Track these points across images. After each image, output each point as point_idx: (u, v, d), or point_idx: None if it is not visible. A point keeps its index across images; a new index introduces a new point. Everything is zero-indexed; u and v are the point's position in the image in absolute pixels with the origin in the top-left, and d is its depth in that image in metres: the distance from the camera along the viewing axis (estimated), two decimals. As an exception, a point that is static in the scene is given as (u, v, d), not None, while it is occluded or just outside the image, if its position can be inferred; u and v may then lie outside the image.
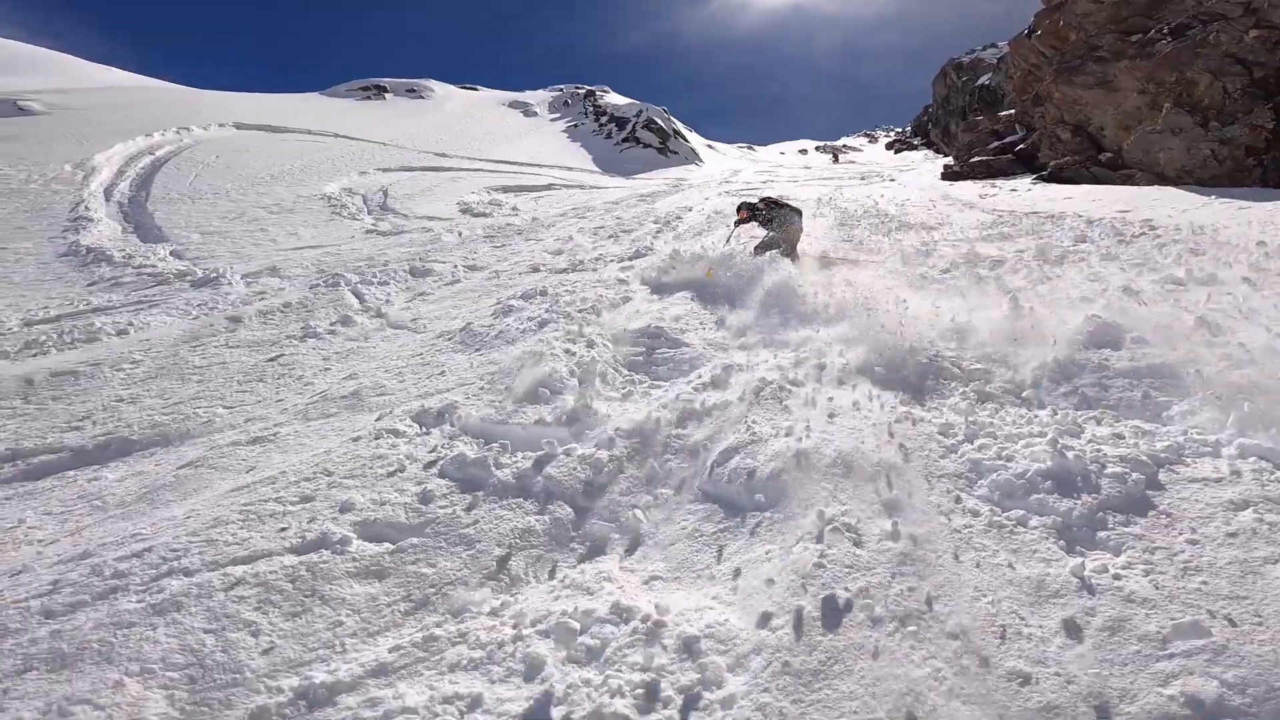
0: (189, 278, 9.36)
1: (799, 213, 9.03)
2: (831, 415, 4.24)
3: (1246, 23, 14.65)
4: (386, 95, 54.48)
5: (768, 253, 8.13)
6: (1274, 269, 6.56)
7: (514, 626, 2.69)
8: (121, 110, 26.54)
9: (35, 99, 26.92)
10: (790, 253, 8.41)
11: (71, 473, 4.47)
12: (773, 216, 8.81)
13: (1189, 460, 3.37)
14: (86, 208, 13.09)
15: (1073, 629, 2.45)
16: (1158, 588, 2.58)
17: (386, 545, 3.22)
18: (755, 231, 9.28)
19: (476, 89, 63.19)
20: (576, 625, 2.65)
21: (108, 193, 14.72)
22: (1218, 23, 15.05)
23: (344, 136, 28.20)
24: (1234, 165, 13.67)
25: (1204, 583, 2.58)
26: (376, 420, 4.69)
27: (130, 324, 7.47)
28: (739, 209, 9.17)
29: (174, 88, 45.94)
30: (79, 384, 5.87)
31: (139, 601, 2.86)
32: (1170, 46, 15.70)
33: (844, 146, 66.20)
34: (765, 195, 9.69)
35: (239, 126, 26.34)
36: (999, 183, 18.97)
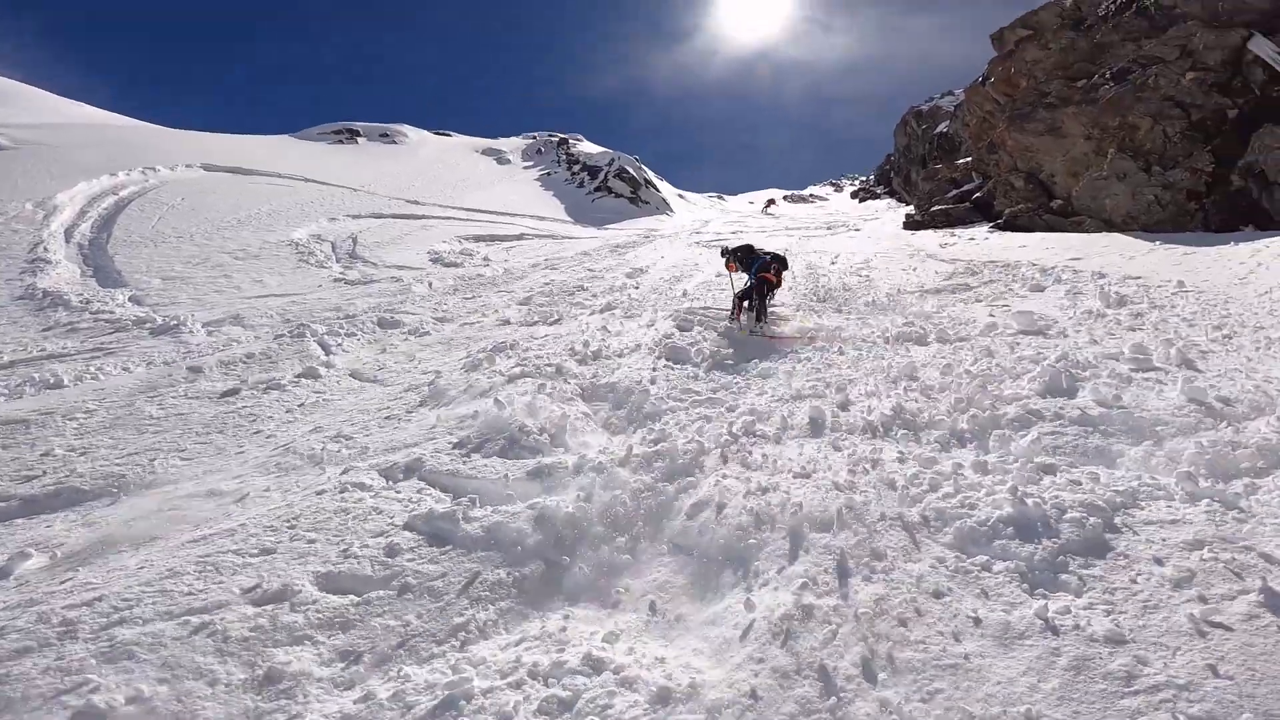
0: (148, 325, 9.21)
1: (776, 260, 9.03)
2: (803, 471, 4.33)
3: (1183, 65, 15.12)
4: (359, 139, 54.70)
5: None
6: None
7: (483, 678, 2.69)
8: (89, 147, 26.25)
9: (2, 133, 26.51)
10: (760, 306, 8.41)
11: (20, 521, 4.36)
12: (750, 262, 9.12)
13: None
14: (45, 249, 12.87)
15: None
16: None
17: (351, 598, 3.20)
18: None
19: (450, 135, 63.85)
20: (547, 677, 2.67)
21: (68, 233, 14.50)
22: (1156, 66, 15.51)
23: (314, 181, 28.18)
24: (1176, 210, 14.05)
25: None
26: (342, 474, 4.66)
27: (85, 372, 7.31)
28: (725, 261, 9.69)
29: (143, 125, 45.59)
30: (30, 432, 5.73)
31: (88, 649, 2.81)
32: (1112, 91, 16.12)
33: (810, 196, 68.17)
34: (745, 244, 9.87)
35: (206, 168, 26.19)
36: (958, 231, 19.39)
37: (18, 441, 5.54)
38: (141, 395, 6.62)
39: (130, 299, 10.64)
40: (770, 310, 8.58)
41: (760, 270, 8.74)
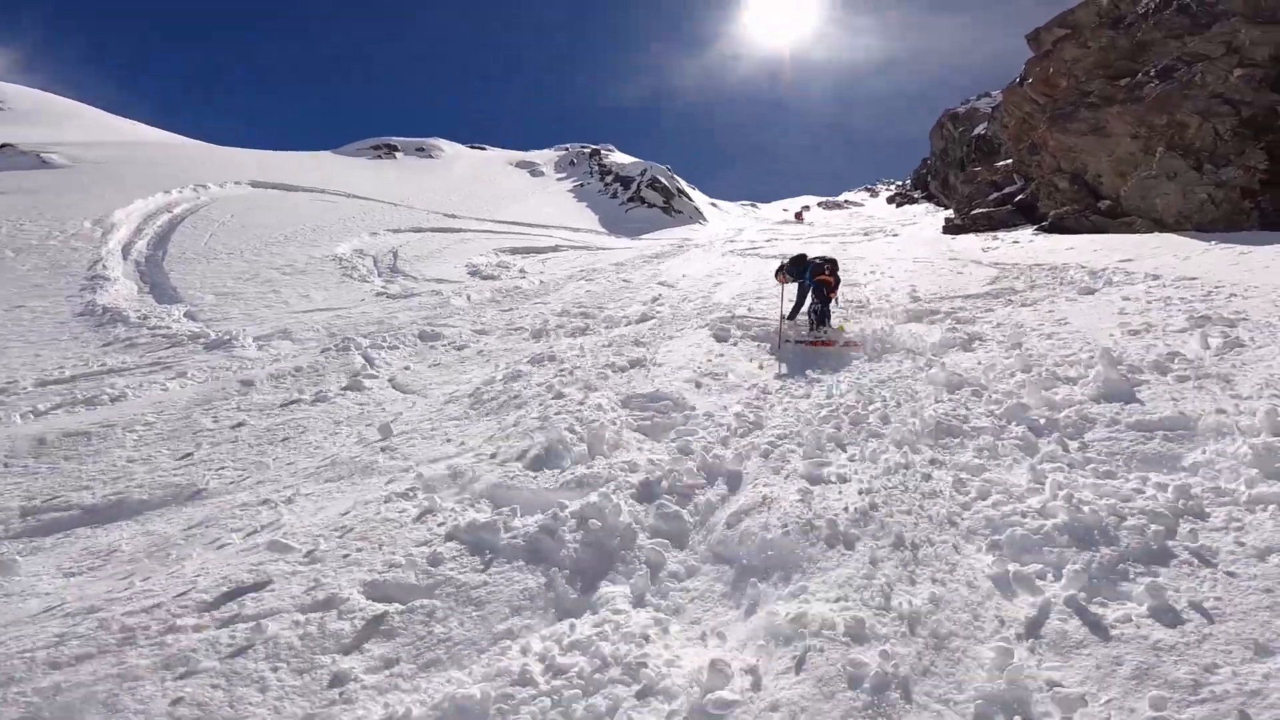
0: (202, 340, 9.54)
1: (828, 262, 8.77)
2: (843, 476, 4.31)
3: (1230, 62, 14.77)
4: (397, 154, 55.94)
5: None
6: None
7: (523, 686, 2.73)
8: (141, 166, 27.34)
9: (58, 151, 27.78)
10: (823, 311, 8.32)
11: (81, 529, 4.56)
12: (800, 272, 9.02)
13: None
14: (104, 266, 13.40)
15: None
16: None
17: (396, 605, 3.26)
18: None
19: (484, 148, 64.95)
20: (586, 685, 2.69)
21: (125, 251, 15.08)
22: (1202, 63, 15.16)
23: (355, 196, 28.89)
24: (1230, 208, 13.66)
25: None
26: (386, 484, 4.77)
27: (144, 385, 7.60)
28: (777, 274, 9.58)
29: (191, 143, 47.36)
30: (91, 444, 5.97)
31: (146, 656, 2.91)
32: (1158, 89, 15.77)
33: (845, 202, 67.50)
34: (798, 254, 9.65)
35: (254, 184, 27.04)
36: (1000, 235, 19.02)
37: (79, 453, 5.78)
38: (197, 408, 6.87)
39: (185, 314, 11.03)
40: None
41: (815, 274, 8.58)
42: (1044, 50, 21.69)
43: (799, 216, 47.80)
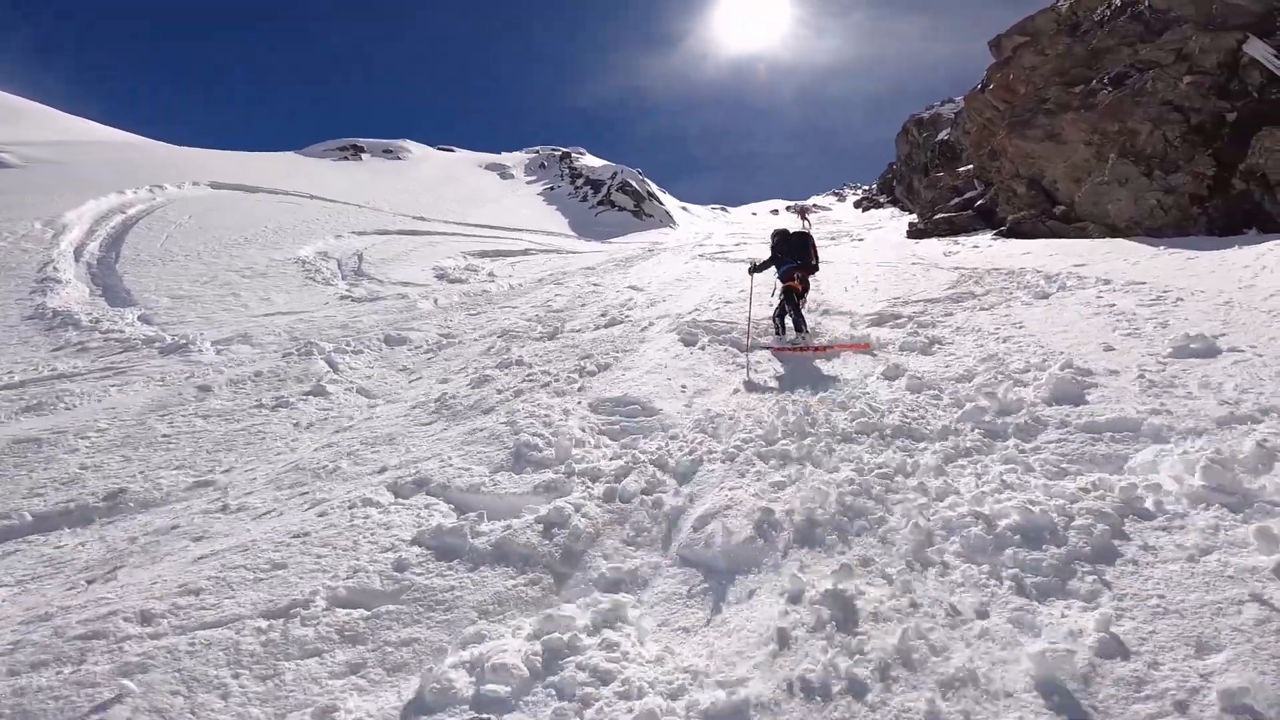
0: (157, 344, 9.31)
1: (801, 268, 8.48)
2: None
3: (1180, 69, 15.13)
4: (363, 155, 55.23)
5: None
6: None
7: (494, 682, 2.71)
8: (96, 166, 26.60)
9: (10, 151, 26.87)
10: (797, 317, 8.19)
11: (34, 537, 4.44)
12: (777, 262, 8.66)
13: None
14: (55, 268, 13.01)
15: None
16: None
17: (361, 611, 3.23)
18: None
19: (453, 150, 64.45)
20: (560, 687, 2.70)
21: (77, 253, 14.66)
22: (1153, 70, 15.52)
23: (319, 198, 28.46)
24: (1179, 214, 14.00)
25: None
26: (351, 489, 4.71)
27: (96, 391, 7.38)
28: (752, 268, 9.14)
29: (149, 143, 46.15)
30: (42, 451, 5.81)
31: (103, 663, 2.86)
32: (1111, 96, 16.13)
33: (813, 206, 68.28)
34: (778, 230, 9.23)
35: (213, 185, 26.49)
36: (961, 239, 19.30)
37: (30, 460, 5.61)
38: (152, 414, 6.70)
39: (139, 318, 10.75)
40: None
41: (784, 279, 8.45)
42: (1005, 57, 22.17)
43: (803, 215, 46.72)
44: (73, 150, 30.79)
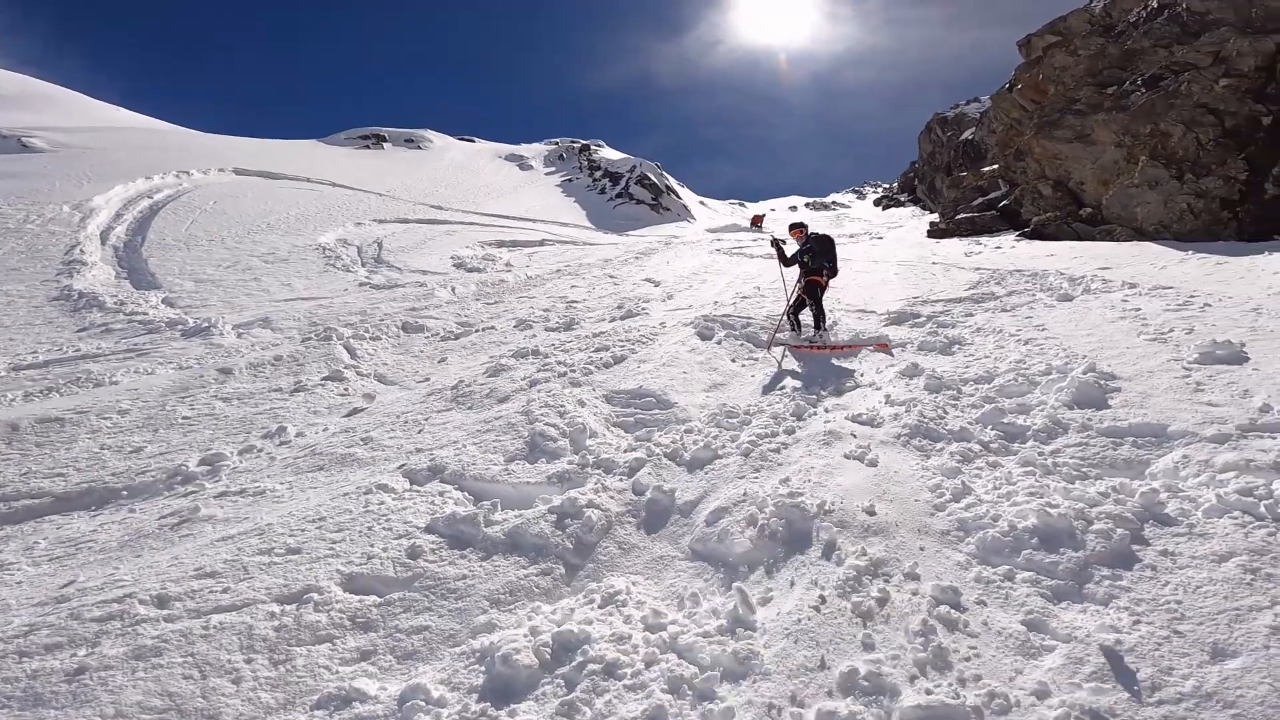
0: (180, 327, 9.42)
1: (822, 243, 8.46)
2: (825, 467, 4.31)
3: (1216, 72, 14.85)
4: (385, 145, 55.40)
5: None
6: None
7: (503, 668, 2.72)
8: (123, 151, 26.93)
9: (40, 136, 27.31)
10: (817, 313, 8.17)
11: (53, 517, 4.50)
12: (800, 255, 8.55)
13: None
14: (81, 251, 13.20)
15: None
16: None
17: (374, 598, 3.25)
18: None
19: (474, 140, 64.50)
20: (569, 677, 2.70)
21: (104, 236, 14.86)
22: (1189, 73, 15.25)
23: (341, 186, 28.60)
24: (1210, 218, 13.73)
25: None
26: (366, 475, 4.74)
27: (118, 372, 7.48)
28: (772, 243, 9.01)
29: (176, 129, 46.69)
30: (64, 431, 5.88)
31: (117, 646, 2.89)
32: (1144, 98, 15.85)
33: (832, 203, 67.71)
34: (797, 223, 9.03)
35: (238, 172, 26.70)
36: (983, 240, 18.99)
37: (52, 439, 5.70)
38: (173, 396, 6.78)
39: (163, 301, 10.89)
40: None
41: (806, 275, 8.37)
42: (1034, 56, 21.82)
43: (756, 222, 41.60)
44: (100, 136, 31.22)
